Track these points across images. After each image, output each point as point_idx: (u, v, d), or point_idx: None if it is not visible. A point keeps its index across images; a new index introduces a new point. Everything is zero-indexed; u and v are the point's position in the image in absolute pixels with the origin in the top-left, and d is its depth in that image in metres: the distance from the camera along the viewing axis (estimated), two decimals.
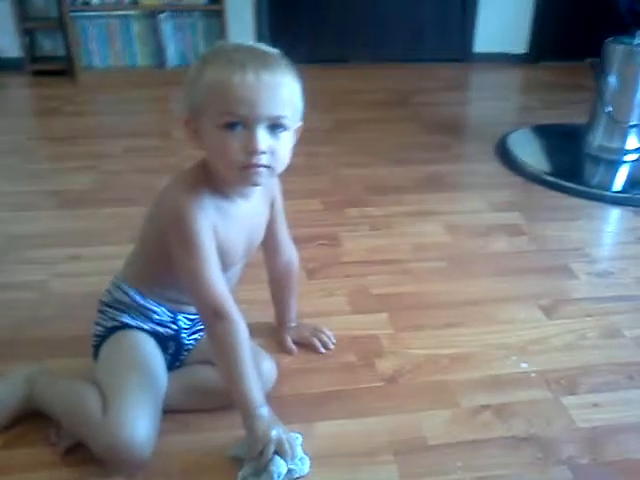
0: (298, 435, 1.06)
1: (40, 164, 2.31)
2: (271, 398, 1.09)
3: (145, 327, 1.12)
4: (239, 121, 0.95)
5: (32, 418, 1.11)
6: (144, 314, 1.12)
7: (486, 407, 1.17)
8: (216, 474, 1.03)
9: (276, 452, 0.98)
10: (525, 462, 1.06)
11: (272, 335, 1.33)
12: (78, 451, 1.05)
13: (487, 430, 1.12)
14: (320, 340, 1.32)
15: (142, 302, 1.12)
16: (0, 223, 1.84)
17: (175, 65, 3.45)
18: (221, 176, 1.02)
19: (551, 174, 2.18)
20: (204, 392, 1.14)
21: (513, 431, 1.12)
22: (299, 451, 1.03)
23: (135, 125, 2.73)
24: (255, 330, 1.28)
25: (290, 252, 1.27)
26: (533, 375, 1.26)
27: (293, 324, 1.33)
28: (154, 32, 3.37)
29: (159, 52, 3.41)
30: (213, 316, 1.01)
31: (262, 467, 0.97)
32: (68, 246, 1.70)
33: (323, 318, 1.39)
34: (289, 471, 0.99)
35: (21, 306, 1.45)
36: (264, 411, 0.99)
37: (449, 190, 2.10)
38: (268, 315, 1.35)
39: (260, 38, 3.49)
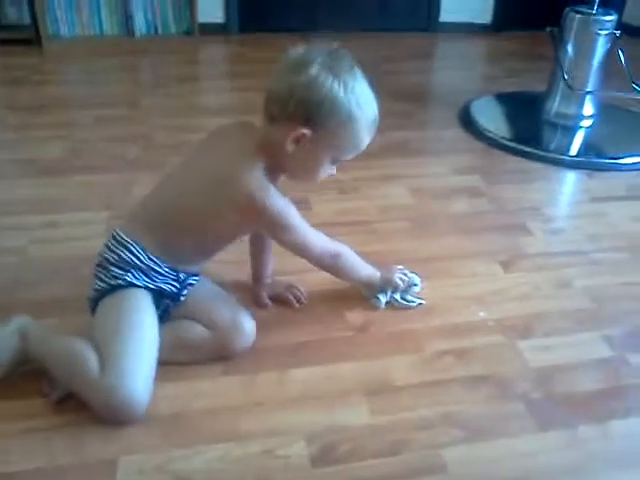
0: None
1: (10, 133, 2.31)
2: (249, 349, 1.21)
3: (150, 286, 1.18)
4: None
5: (23, 369, 1.16)
6: (148, 273, 1.17)
7: (448, 352, 1.27)
8: (201, 419, 1.11)
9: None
10: (483, 399, 1.17)
11: (249, 291, 1.40)
12: (71, 401, 1.10)
13: (449, 372, 1.23)
14: (294, 295, 1.40)
15: (150, 262, 1.17)
16: None
17: (143, 34, 3.44)
18: (286, 171, 1.19)
19: (511, 139, 2.28)
20: (186, 347, 1.21)
21: (472, 372, 1.22)
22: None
23: (104, 94, 2.74)
24: (233, 287, 1.37)
25: None
26: (490, 323, 1.36)
27: (268, 281, 1.41)
28: (122, 0, 3.36)
29: (127, 21, 3.40)
30: (331, 260, 1.27)
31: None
32: (44, 213, 1.74)
33: (296, 275, 1.46)
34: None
35: (3, 271, 1.49)
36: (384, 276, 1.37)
37: (414, 155, 2.19)
38: (245, 272, 1.42)
39: (228, 8, 3.50)
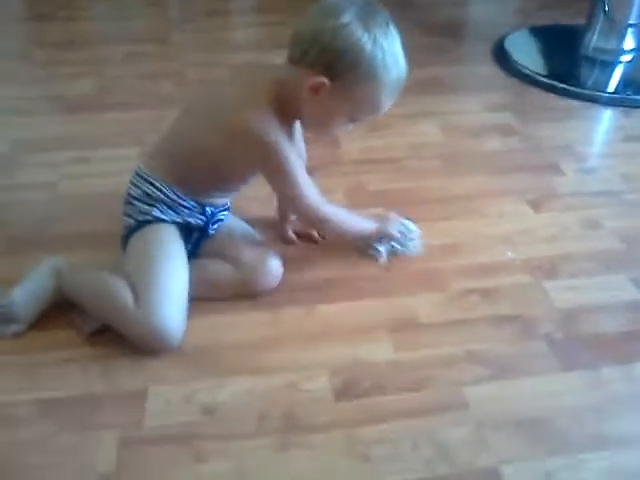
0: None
1: (38, 70, 2.31)
2: (275, 290, 1.24)
3: (177, 219, 1.20)
4: None
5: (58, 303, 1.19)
6: (175, 208, 1.19)
7: (473, 290, 1.27)
8: (227, 353, 1.14)
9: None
10: (507, 337, 1.17)
11: (275, 228, 1.41)
12: (102, 334, 1.15)
13: (474, 310, 1.23)
14: (317, 232, 1.40)
15: (174, 197, 1.19)
16: (5, 128, 1.88)
17: None
18: (298, 116, 1.16)
19: (546, 76, 2.21)
20: (213, 284, 1.23)
21: (497, 311, 1.23)
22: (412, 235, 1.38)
23: (133, 30, 2.70)
24: (258, 224, 1.38)
25: (301, 144, 1.34)
26: (517, 262, 1.35)
27: (293, 217, 1.41)
28: None
29: None
30: (319, 223, 1.25)
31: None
32: (74, 149, 1.75)
33: None
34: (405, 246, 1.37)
35: (35, 206, 1.51)
36: (379, 228, 1.33)
37: (445, 92, 2.13)
38: (272, 209, 1.42)
39: None
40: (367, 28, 1.02)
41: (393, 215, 1.40)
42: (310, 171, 1.62)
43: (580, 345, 1.16)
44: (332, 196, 1.55)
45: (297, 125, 1.27)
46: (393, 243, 1.35)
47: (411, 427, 1.00)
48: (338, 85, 1.05)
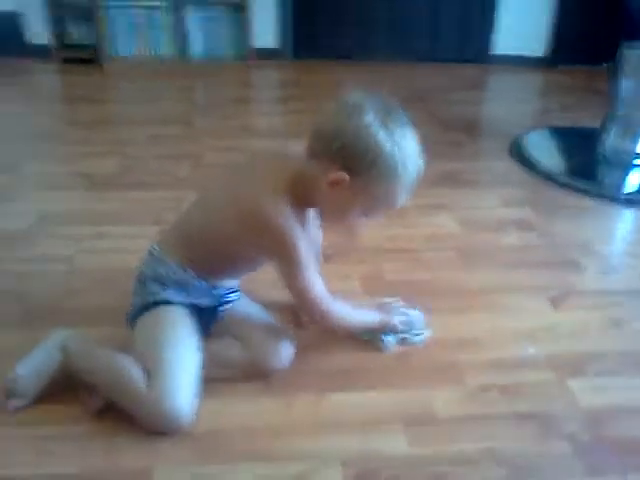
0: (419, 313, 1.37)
1: (70, 147, 2.38)
2: (288, 370, 1.21)
3: (187, 301, 1.19)
4: None
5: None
6: (185, 289, 1.19)
7: (492, 386, 1.23)
8: (237, 437, 1.10)
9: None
10: (528, 436, 1.12)
11: (288, 312, 1.39)
12: (108, 411, 1.11)
13: (492, 406, 1.18)
14: None
15: (185, 278, 1.18)
16: (33, 201, 1.92)
17: (199, 56, 3.52)
18: (313, 206, 1.16)
19: (564, 174, 2.24)
20: (224, 364, 1.21)
21: (518, 408, 1.18)
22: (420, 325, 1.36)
23: (159, 113, 2.80)
24: (272, 307, 1.36)
25: (316, 232, 1.34)
26: (540, 359, 1.31)
27: None
28: (180, 24, 3.45)
29: (184, 43, 3.49)
30: (320, 318, 1.21)
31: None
32: (94, 225, 1.78)
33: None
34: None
35: (51, 279, 1.52)
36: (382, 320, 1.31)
37: (463, 186, 2.16)
38: (285, 293, 1.40)
39: (283, 34, 3.56)
40: (387, 129, 1.04)
41: (398, 304, 1.38)
42: (327, 257, 1.64)
43: (607, 449, 1.10)
44: (348, 282, 1.55)
45: (311, 213, 1.28)
46: (400, 334, 1.33)
47: None
48: (357, 181, 1.06)
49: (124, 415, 1.09)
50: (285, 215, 1.10)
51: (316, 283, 1.16)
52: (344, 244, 1.71)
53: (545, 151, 2.48)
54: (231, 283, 1.28)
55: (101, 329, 1.31)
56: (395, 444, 1.09)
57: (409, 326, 1.34)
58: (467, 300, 1.50)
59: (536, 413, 1.17)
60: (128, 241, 1.69)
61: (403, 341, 1.33)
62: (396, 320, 1.32)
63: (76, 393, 1.14)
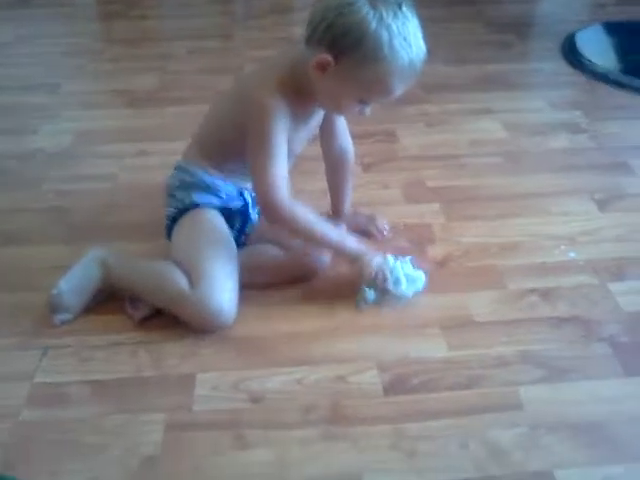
0: (406, 260, 1.19)
1: (108, 65, 2.38)
2: (327, 275, 1.22)
3: (215, 203, 1.21)
4: None
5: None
6: (212, 191, 1.20)
7: (533, 290, 1.22)
8: (277, 342, 1.13)
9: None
10: (567, 339, 1.12)
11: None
12: (152, 320, 1.16)
13: (532, 310, 1.18)
14: (376, 227, 1.37)
15: (210, 180, 1.20)
16: (72, 121, 1.94)
17: None
18: (314, 96, 1.11)
19: (617, 72, 2.12)
20: (262, 269, 1.23)
21: (558, 312, 1.17)
22: (410, 271, 1.18)
23: (198, 27, 2.75)
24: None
25: (346, 140, 1.32)
26: (581, 263, 1.29)
27: (348, 213, 1.39)
28: None
29: None
30: (265, 207, 1.13)
31: (381, 289, 1.17)
32: (135, 142, 1.79)
33: (378, 207, 1.44)
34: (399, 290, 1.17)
35: (95, 197, 1.55)
36: (360, 251, 1.17)
37: (509, 89, 2.07)
38: (324, 205, 1.41)
39: None
40: (374, 7, 0.98)
41: (392, 252, 1.22)
42: (366, 167, 1.62)
43: None
44: (389, 191, 1.54)
45: (339, 119, 1.27)
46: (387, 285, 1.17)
47: (461, 426, 0.96)
48: (343, 64, 1.02)
49: (169, 323, 1.13)
50: (272, 99, 1.08)
51: (281, 185, 1.09)
52: (384, 152, 1.69)
53: (599, 49, 2.34)
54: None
55: (142, 244, 1.34)
56: (433, 348, 1.10)
57: (387, 279, 1.16)
58: (509, 205, 1.47)
59: (576, 316, 1.16)
60: (169, 157, 1.68)
61: (383, 295, 1.17)
62: (376, 265, 1.16)
63: (120, 304, 1.18)
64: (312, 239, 1.17)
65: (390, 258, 1.18)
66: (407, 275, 1.17)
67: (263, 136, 1.09)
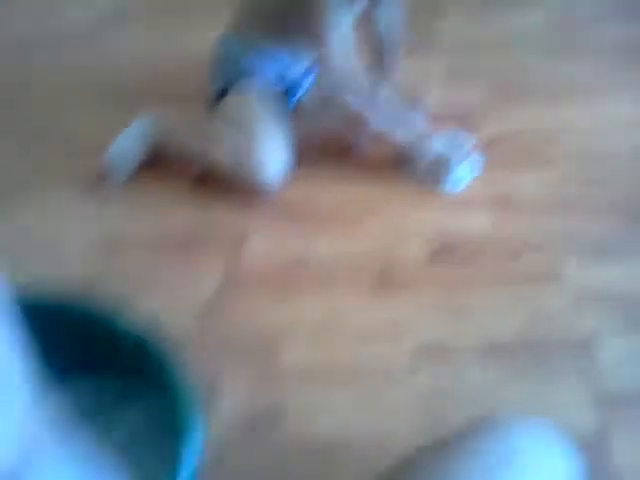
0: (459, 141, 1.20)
1: None
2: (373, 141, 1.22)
3: (269, 71, 1.21)
4: None
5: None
6: (266, 60, 1.20)
7: (582, 175, 1.20)
8: (328, 208, 1.15)
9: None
10: (618, 219, 1.10)
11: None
12: (205, 181, 1.18)
13: (584, 191, 1.17)
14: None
15: (263, 48, 1.20)
16: None
17: None
18: None
19: None
20: (315, 134, 1.25)
21: (611, 195, 1.16)
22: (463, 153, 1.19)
23: None
24: None
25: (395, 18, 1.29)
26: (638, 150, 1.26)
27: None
28: None
29: None
30: (327, 72, 1.15)
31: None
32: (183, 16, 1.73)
33: (424, 90, 1.42)
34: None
35: (147, 61, 1.54)
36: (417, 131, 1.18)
37: None
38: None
39: None
40: None
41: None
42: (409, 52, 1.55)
43: None
44: (426, 76, 1.48)
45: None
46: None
47: (506, 292, 0.99)
48: None
49: (220, 184, 1.15)
50: None
51: (345, 51, 1.11)
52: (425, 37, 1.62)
53: None
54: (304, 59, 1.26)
55: (193, 109, 1.30)
56: (480, 220, 1.12)
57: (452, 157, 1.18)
58: (561, 90, 1.43)
59: (631, 197, 1.16)
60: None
61: (439, 177, 1.18)
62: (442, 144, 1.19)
63: (171, 167, 1.20)
64: (369, 110, 1.17)
65: (444, 139, 1.19)
66: (461, 157, 1.18)
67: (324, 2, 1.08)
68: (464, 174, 1.18)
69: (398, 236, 1.09)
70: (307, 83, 1.26)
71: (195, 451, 0.51)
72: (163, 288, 0.98)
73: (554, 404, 0.83)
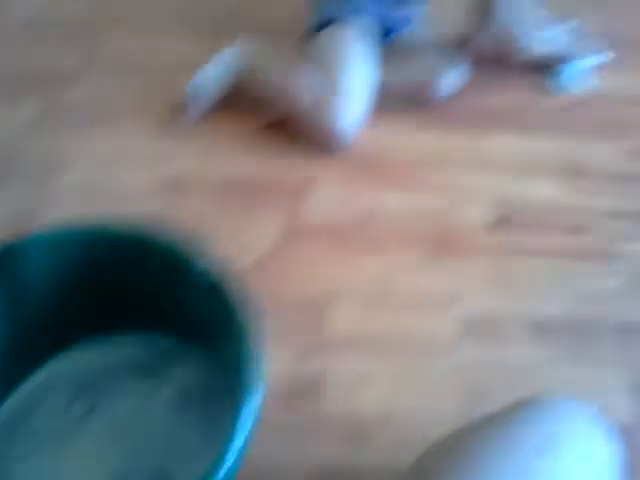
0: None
1: None
2: (449, 104, 1.20)
3: (370, 10, 1.19)
4: None
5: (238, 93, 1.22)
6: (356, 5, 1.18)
7: None
8: (392, 165, 1.14)
9: None
10: None
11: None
12: (279, 126, 1.17)
13: None
14: None
15: None
16: None
17: None
18: None
19: None
20: (391, 88, 1.21)
21: None
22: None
23: None
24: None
25: None
26: None
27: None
28: None
29: None
30: None
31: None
32: None
33: None
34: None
35: None
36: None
37: None
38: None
39: None
40: None
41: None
42: None
43: None
44: None
45: None
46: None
47: (562, 267, 0.98)
48: None
49: (291, 132, 1.16)
50: None
51: None
52: None
53: None
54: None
55: (281, 45, 1.28)
56: (545, 190, 1.10)
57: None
58: None
59: None
60: None
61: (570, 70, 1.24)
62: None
63: (251, 107, 1.20)
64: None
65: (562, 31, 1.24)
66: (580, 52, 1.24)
67: None
68: (581, 71, 1.20)
69: (460, 200, 1.08)
70: (409, 28, 1.26)
71: (252, 415, 0.52)
72: (222, 235, 1.00)
73: (598, 388, 0.83)
